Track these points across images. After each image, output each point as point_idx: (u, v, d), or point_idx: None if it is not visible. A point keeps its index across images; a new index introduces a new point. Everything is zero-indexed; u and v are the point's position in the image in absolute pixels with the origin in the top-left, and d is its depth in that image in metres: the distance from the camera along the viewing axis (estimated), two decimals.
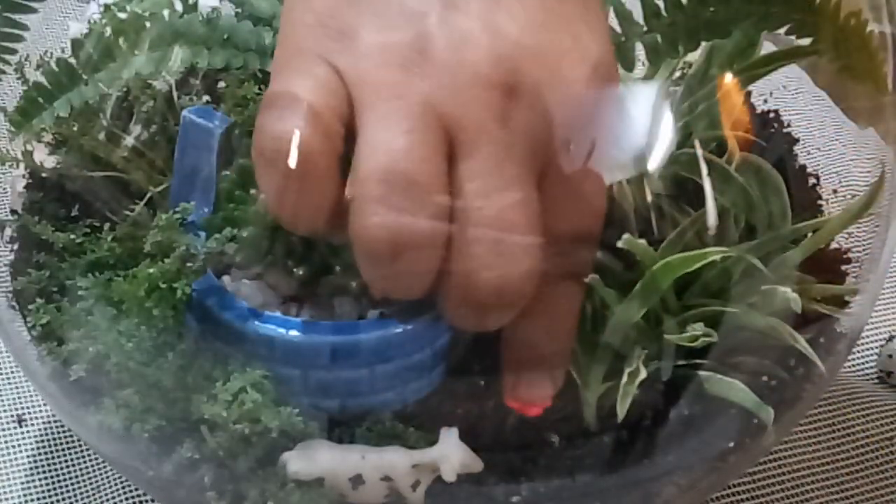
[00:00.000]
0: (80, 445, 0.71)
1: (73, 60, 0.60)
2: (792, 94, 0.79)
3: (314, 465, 0.54)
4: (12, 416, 0.73)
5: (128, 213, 0.62)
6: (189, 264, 0.55)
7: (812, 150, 0.76)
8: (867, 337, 0.81)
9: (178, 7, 0.63)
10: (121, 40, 0.59)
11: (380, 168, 0.47)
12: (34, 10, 0.63)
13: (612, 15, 0.63)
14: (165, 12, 0.60)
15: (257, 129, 0.50)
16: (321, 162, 0.48)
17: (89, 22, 0.64)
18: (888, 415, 0.76)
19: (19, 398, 0.74)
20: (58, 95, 0.59)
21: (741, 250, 0.60)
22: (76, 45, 0.60)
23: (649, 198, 0.59)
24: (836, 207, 0.72)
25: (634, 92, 0.63)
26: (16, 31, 0.63)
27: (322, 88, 0.49)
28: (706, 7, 0.61)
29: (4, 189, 0.68)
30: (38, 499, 0.69)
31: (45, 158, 0.65)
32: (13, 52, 0.63)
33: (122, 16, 0.61)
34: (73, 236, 0.61)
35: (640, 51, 0.63)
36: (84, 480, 0.70)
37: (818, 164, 0.75)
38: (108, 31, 0.60)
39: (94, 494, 0.68)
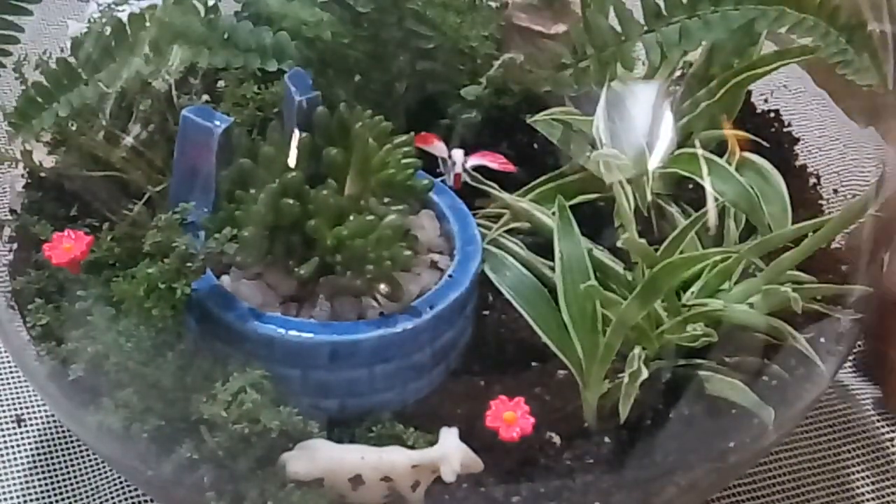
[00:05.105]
0: (79, 445, 0.71)
1: (72, 60, 0.60)
2: (792, 94, 0.79)
3: (314, 466, 0.54)
4: (11, 416, 0.73)
5: (127, 212, 0.62)
6: (188, 264, 0.55)
7: (812, 150, 0.76)
8: None
9: None
10: (121, 40, 0.59)
11: None
12: (29, 13, 0.63)
13: (612, 15, 0.63)
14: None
15: None
16: None
17: (89, 21, 0.64)
18: (889, 415, 0.76)
19: (18, 398, 0.74)
20: (57, 96, 0.59)
21: (741, 250, 0.60)
22: (75, 44, 0.60)
23: (649, 197, 0.59)
24: (836, 207, 0.72)
25: (635, 92, 0.63)
26: (11, 33, 0.63)
27: None
28: (706, 7, 0.61)
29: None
30: (37, 499, 0.68)
31: (43, 158, 0.65)
32: (8, 53, 0.63)
33: (122, 15, 0.61)
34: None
35: (640, 51, 0.63)
36: (83, 480, 0.69)
37: (818, 164, 0.75)
38: (108, 30, 0.60)
39: (92, 495, 0.68)
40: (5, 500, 0.68)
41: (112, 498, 0.68)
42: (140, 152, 0.63)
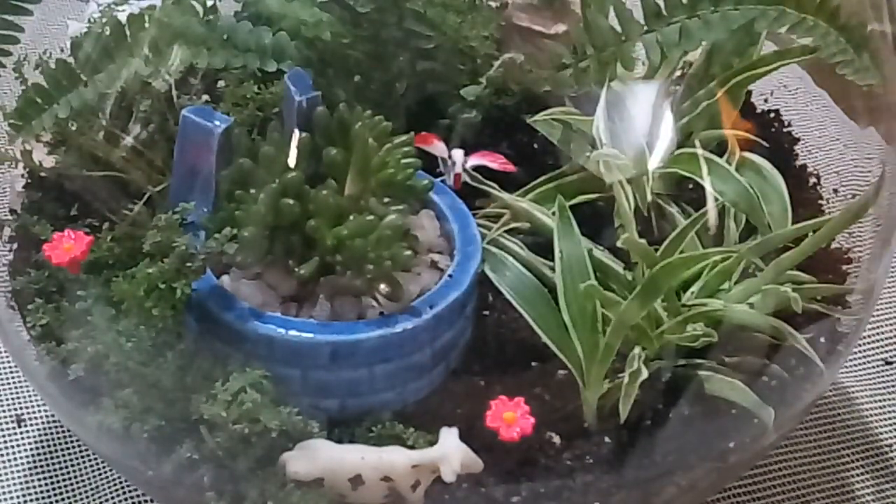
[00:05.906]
0: (79, 446, 0.71)
1: (71, 61, 0.60)
2: (792, 94, 0.78)
3: (314, 465, 0.54)
4: (11, 416, 0.73)
5: (127, 212, 0.62)
6: (188, 264, 0.55)
7: (812, 150, 0.76)
8: (868, 337, 0.81)
9: None
10: (120, 41, 0.59)
11: None
12: (29, 13, 0.63)
13: (612, 15, 0.63)
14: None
15: None
16: None
17: (89, 21, 0.64)
18: (888, 416, 0.76)
19: (18, 398, 0.74)
20: (57, 97, 0.59)
21: (741, 250, 0.60)
22: (75, 45, 0.60)
23: (649, 198, 0.59)
24: (836, 207, 0.72)
25: (635, 92, 0.63)
26: (11, 33, 0.63)
27: None
28: (706, 7, 0.61)
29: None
30: (37, 499, 0.68)
31: (43, 158, 0.65)
32: (8, 53, 0.63)
33: (122, 16, 0.61)
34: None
35: (640, 51, 0.63)
36: (83, 480, 0.69)
37: (818, 164, 0.75)
38: (107, 31, 0.60)
39: (92, 495, 0.68)
40: (5, 500, 0.68)
41: (112, 498, 0.68)
42: (140, 152, 0.63)
